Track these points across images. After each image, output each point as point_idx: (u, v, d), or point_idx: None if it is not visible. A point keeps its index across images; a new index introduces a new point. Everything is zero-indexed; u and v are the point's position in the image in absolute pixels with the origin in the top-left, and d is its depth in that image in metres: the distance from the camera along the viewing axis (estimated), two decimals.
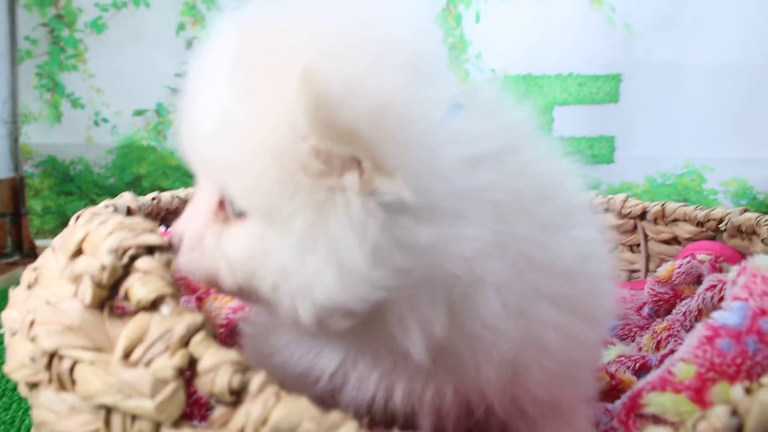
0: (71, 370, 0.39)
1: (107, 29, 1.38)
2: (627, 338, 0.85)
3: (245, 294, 0.42)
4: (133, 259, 0.41)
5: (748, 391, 0.37)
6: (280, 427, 0.33)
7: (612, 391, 0.62)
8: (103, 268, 0.40)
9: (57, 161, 1.39)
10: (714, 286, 0.65)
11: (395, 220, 0.36)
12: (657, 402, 0.47)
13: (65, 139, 1.39)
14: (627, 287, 0.95)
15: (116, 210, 0.64)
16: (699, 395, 0.46)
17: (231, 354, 0.36)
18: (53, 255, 0.47)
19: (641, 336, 0.80)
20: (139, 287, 0.39)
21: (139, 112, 1.41)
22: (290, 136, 0.35)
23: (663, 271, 0.85)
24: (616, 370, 0.66)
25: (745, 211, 0.76)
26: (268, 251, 0.38)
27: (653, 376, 0.50)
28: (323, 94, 0.33)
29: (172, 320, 0.38)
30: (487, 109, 0.43)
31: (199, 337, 0.37)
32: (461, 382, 0.43)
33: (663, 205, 0.89)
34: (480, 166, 0.38)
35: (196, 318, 0.38)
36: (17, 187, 1.39)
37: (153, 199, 0.75)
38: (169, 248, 0.44)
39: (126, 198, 0.69)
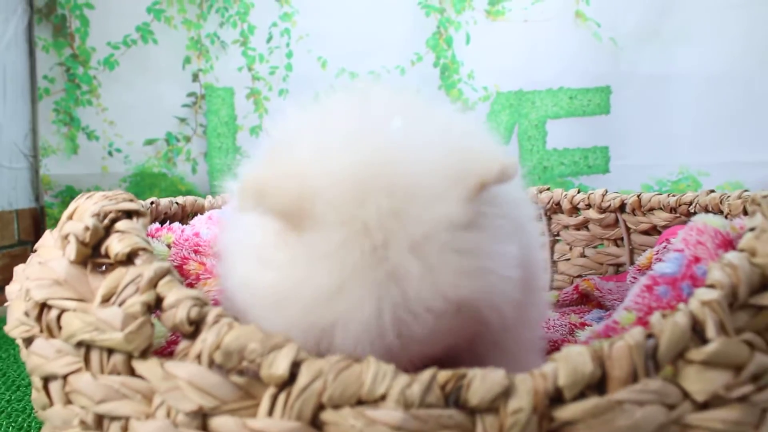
0: (58, 318, 0.44)
1: (119, 66, 1.47)
2: None
3: None
4: (113, 222, 0.47)
5: (664, 316, 0.41)
6: (230, 349, 0.38)
7: None
8: (86, 228, 0.45)
9: (74, 191, 1.47)
10: None
11: None
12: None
13: (82, 170, 1.47)
14: (612, 280, 0.97)
15: None
16: None
17: (192, 292, 0.41)
18: (50, 234, 0.52)
19: None
20: (116, 243, 0.45)
21: (149, 142, 1.49)
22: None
23: (643, 259, 0.88)
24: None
25: (711, 191, 0.80)
26: None
27: (599, 326, 0.53)
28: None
29: (143, 267, 0.43)
30: None
31: (166, 280, 0.42)
32: None
33: (639, 195, 0.92)
34: None
35: (164, 265, 0.43)
36: (38, 217, 1.46)
37: (152, 203, 0.80)
38: (145, 213, 0.49)
39: None
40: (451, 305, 0.41)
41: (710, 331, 0.39)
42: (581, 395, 0.37)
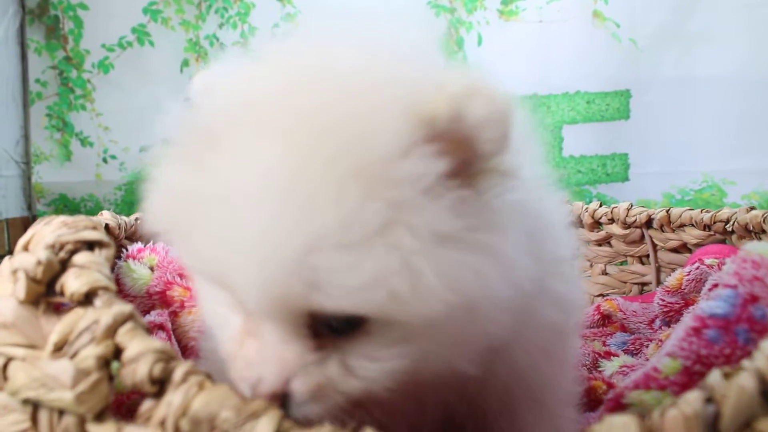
0: (5, 367, 0.37)
1: (113, 69, 1.41)
2: (638, 353, 0.81)
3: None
4: (71, 254, 0.40)
5: (726, 376, 0.34)
6: (199, 416, 0.31)
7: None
8: (39, 263, 0.39)
9: (68, 199, 1.41)
10: (716, 285, 0.61)
11: None
12: (639, 400, 0.43)
13: (75, 177, 1.41)
14: (637, 300, 0.90)
15: None
16: (685, 390, 0.42)
17: (156, 343, 0.34)
18: (8, 261, 0.46)
19: (647, 348, 0.76)
20: (73, 281, 0.38)
21: (146, 148, 1.42)
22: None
23: (672, 280, 0.81)
24: (616, 381, 0.62)
25: (752, 209, 0.73)
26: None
27: (638, 373, 0.46)
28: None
29: (101, 311, 0.36)
30: None
31: (127, 327, 0.35)
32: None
33: (668, 210, 0.85)
34: None
35: (125, 309, 0.36)
36: (30, 226, 1.40)
37: (136, 219, 0.74)
38: (110, 244, 0.42)
39: (105, 216, 0.68)
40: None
41: None
42: None
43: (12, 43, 1.35)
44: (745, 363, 0.34)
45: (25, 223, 1.40)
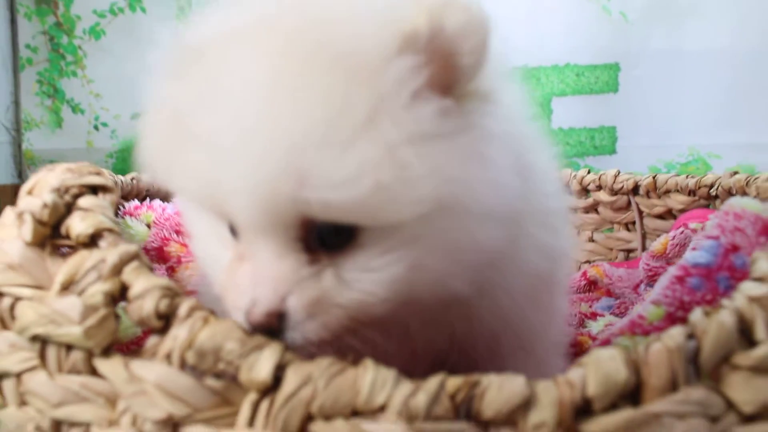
0: (12, 307, 0.38)
1: (105, 35, 1.39)
2: (623, 316, 0.83)
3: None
4: (76, 198, 0.41)
5: (707, 314, 0.35)
6: (204, 348, 0.33)
7: None
8: (45, 205, 0.40)
9: None
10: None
11: None
12: (624, 345, 0.45)
13: (67, 145, 1.40)
14: (623, 266, 0.92)
15: None
16: None
17: (162, 280, 0.36)
18: (11, 210, 0.47)
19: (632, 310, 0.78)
20: (78, 223, 0.39)
21: (137, 116, 1.42)
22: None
23: (657, 244, 0.83)
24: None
25: (736, 173, 0.75)
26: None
27: (624, 321, 0.48)
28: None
29: (106, 251, 0.37)
30: None
31: (133, 265, 0.36)
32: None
33: (654, 176, 0.87)
34: None
35: (130, 248, 0.37)
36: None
37: (132, 179, 0.75)
38: (113, 189, 0.43)
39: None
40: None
41: (760, 332, 0.34)
42: (612, 406, 0.32)
43: (1, 8, 1.33)
44: (725, 302, 0.36)
45: (15, 190, 1.39)
